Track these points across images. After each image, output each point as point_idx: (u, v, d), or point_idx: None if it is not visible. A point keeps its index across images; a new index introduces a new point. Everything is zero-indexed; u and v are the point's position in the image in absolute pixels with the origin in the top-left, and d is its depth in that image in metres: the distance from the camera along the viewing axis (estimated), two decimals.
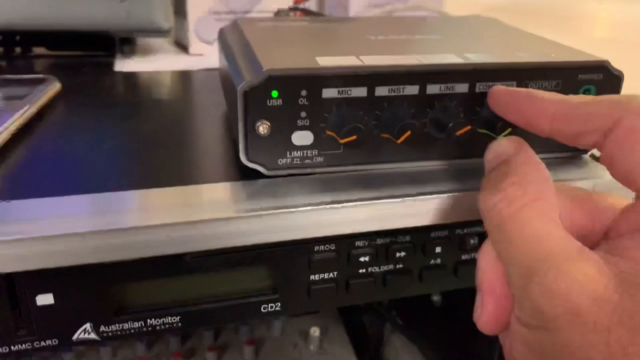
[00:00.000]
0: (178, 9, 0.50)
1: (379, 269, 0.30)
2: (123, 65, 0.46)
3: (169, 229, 0.23)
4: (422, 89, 0.26)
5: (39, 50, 0.48)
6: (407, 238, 0.30)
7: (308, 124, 0.26)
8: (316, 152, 0.27)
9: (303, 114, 0.26)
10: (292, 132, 0.26)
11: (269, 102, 0.25)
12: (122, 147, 0.30)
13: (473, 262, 0.30)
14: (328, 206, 0.25)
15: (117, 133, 0.32)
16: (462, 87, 0.27)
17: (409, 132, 0.26)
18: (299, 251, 0.28)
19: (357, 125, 0.25)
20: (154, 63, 0.47)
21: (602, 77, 0.28)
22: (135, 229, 0.23)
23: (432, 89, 0.27)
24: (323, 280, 0.29)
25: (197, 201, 0.25)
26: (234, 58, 0.30)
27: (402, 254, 0.30)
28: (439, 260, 0.31)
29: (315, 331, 0.54)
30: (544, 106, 0.23)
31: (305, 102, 0.26)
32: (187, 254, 0.26)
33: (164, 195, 0.25)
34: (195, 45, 0.49)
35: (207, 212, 0.24)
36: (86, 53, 0.49)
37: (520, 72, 0.27)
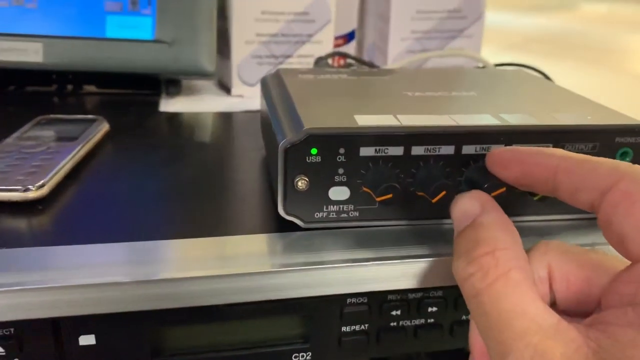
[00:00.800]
0: (222, 51, 0.52)
1: (410, 322, 0.30)
2: (167, 105, 0.48)
3: (203, 281, 0.24)
4: (458, 150, 0.27)
5: (89, 87, 0.51)
6: (440, 293, 0.30)
7: (345, 180, 0.27)
8: (352, 207, 0.28)
9: (341, 171, 0.27)
10: (329, 188, 0.27)
11: (309, 159, 0.26)
12: (163, 193, 0.32)
13: None
14: (361, 263, 0.26)
15: (160, 178, 0.33)
16: (497, 147, 0.27)
17: (444, 192, 0.26)
18: (331, 303, 0.29)
19: (392, 185, 0.26)
20: (197, 104, 0.49)
21: (639, 140, 0.28)
22: (172, 281, 0.24)
23: (468, 149, 0.27)
24: (354, 332, 0.30)
25: (233, 253, 0.26)
26: (275, 110, 0.31)
27: (434, 309, 0.30)
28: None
29: None
30: (548, 159, 0.23)
31: (343, 160, 0.26)
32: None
33: (201, 246, 0.26)
34: (237, 87, 0.51)
35: (242, 265, 0.25)
36: (133, 92, 0.51)
37: (556, 134, 0.27)
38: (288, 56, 0.51)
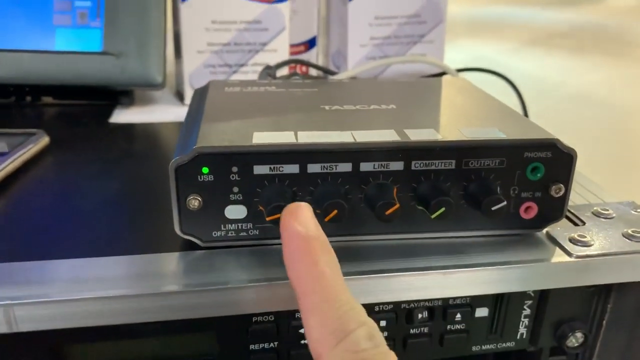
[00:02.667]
0: (178, 58, 0.52)
1: None
2: (119, 116, 0.48)
3: (107, 301, 0.24)
4: (356, 167, 0.26)
5: (47, 99, 0.51)
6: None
7: (241, 198, 0.27)
8: (251, 225, 0.27)
9: (235, 189, 0.26)
10: (225, 206, 0.27)
11: (200, 178, 0.26)
12: (79, 210, 0.32)
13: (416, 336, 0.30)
14: (268, 283, 0.26)
15: (81, 194, 0.33)
16: (397, 165, 0.27)
17: (335, 212, 0.26)
18: (238, 321, 0.28)
19: (279, 205, 0.25)
20: (149, 114, 0.49)
21: (550, 155, 0.27)
22: (67, 302, 0.24)
23: (366, 166, 0.26)
24: (263, 350, 0.29)
25: (135, 273, 0.26)
26: (185, 126, 0.31)
27: None
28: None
29: None
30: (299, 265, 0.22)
31: (237, 178, 0.26)
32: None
33: (103, 265, 0.26)
34: (189, 96, 0.51)
35: (141, 285, 0.25)
36: (90, 103, 0.51)
37: (457, 150, 0.27)
38: (242, 65, 0.51)
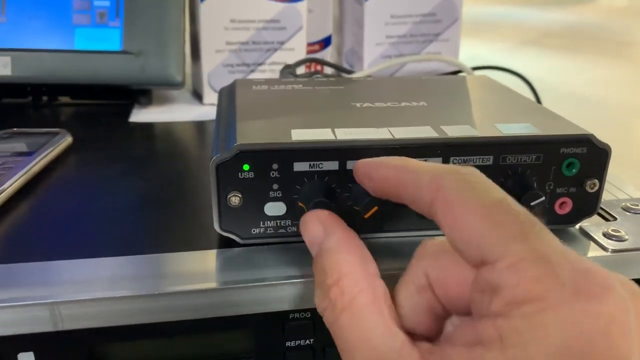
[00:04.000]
0: (195, 56, 0.52)
1: None
2: (138, 115, 0.48)
3: (140, 300, 0.24)
4: None
5: (63, 99, 0.51)
6: None
7: (280, 195, 0.27)
8: (289, 222, 0.27)
9: (275, 186, 0.26)
10: (264, 203, 0.27)
11: (241, 175, 0.26)
12: (109, 209, 0.32)
13: None
14: (304, 279, 0.26)
15: (111, 193, 0.33)
16: (436, 161, 0.27)
17: (375, 208, 0.26)
18: (275, 318, 0.28)
19: (322, 200, 0.25)
20: (168, 114, 0.49)
21: (586, 151, 0.28)
22: (103, 300, 0.24)
23: None
24: (299, 347, 0.29)
25: (172, 271, 0.26)
26: (218, 124, 0.31)
27: None
28: None
29: None
30: (387, 171, 0.22)
31: (277, 175, 0.26)
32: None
33: (140, 263, 0.26)
34: (208, 95, 0.51)
35: (182, 283, 0.25)
36: (107, 102, 0.51)
37: (496, 146, 0.27)
38: (260, 64, 0.51)
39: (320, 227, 0.24)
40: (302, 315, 0.29)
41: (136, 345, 0.28)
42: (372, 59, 0.55)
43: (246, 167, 0.26)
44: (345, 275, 0.21)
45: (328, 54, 0.58)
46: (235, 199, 0.26)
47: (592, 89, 1.53)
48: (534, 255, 0.17)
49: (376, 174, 0.23)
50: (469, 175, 0.20)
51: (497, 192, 0.19)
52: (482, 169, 0.27)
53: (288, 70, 0.45)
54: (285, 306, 0.27)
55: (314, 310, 0.28)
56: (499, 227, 0.18)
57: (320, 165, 0.26)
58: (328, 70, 0.57)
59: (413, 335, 0.20)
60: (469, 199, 0.19)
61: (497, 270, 0.17)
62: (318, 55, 0.57)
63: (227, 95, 0.36)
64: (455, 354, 0.17)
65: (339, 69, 0.52)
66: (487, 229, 0.18)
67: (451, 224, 0.19)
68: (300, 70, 0.51)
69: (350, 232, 0.23)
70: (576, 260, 0.17)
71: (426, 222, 0.28)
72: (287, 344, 0.29)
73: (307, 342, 0.29)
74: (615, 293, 0.16)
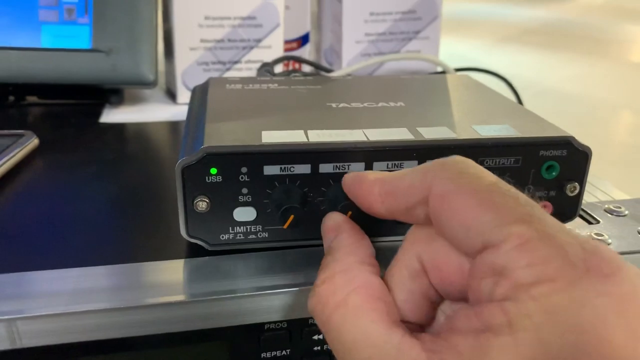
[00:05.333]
0: (169, 54, 0.51)
1: None
2: (109, 115, 0.46)
3: (104, 314, 0.23)
4: (368, 166, 0.26)
5: (31, 98, 0.49)
6: None
7: (250, 200, 0.26)
8: (260, 228, 0.26)
9: (244, 190, 0.25)
10: (233, 208, 0.26)
11: (208, 179, 0.25)
12: (75, 215, 0.30)
13: None
14: (279, 290, 0.25)
15: (78, 198, 0.32)
16: (411, 164, 0.26)
17: (350, 213, 0.25)
18: (249, 330, 0.27)
19: (294, 206, 0.24)
20: (140, 113, 0.47)
21: (566, 154, 0.27)
22: (64, 315, 0.23)
23: (379, 166, 0.26)
24: (274, 358, 0.28)
25: (138, 283, 0.25)
26: (188, 125, 0.30)
27: None
28: None
29: None
30: (370, 187, 0.21)
31: (247, 179, 0.25)
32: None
33: (104, 274, 0.25)
34: (182, 94, 0.49)
35: (145, 296, 0.24)
36: (76, 102, 0.49)
37: (473, 149, 0.26)
38: (236, 62, 0.49)
39: (332, 229, 0.24)
40: (278, 325, 0.28)
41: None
42: (351, 57, 0.54)
43: (214, 170, 0.25)
44: (339, 273, 0.20)
45: (306, 52, 0.57)
46: (202, 204, 0.25)
47: (571, 86, 1.54)
48: (540, 235, 0.16)
49: (360, 191, 0.22)
50: (458, 164, 0.19)
51: (490, 176, 0.19)
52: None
53: (265, 68, 0.43)
54: (258, 318, 0.25)
55: (289, 321, 0.27)
56: (499, 209, 0.17)
57: (292, 169, 0.25)
58: (307, 68, 0.56)
59: (408, 324, 0.19)
60: (463, 185, 0.18)
61: (502, 252, 0.16)
62: (296, 53, 0.56)
63: (200, 94, 0.34)
64: (461, 342, 0.16)
65: (317, 67, 0.51)
66: (487, 212, 0.17)
67: (448, 214, 0.18)
68: (279, 68, 0.50)
69: (358, 235, 0.23)
70: (583, 239, 0.16)
71: (402, 228, 0.27)
72: (262, 355, 0.28)
73: (284, 352, 0.28)
74: (625, 272, 0.15)
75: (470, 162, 0.19)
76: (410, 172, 0.20)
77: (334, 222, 0.24)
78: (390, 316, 0.19)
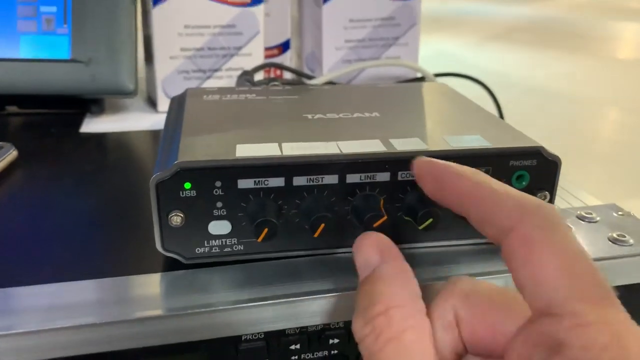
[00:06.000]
0: (150, 61, 0.51)
1: (313, 355, 0.29)
2: (90, 125, 0.46)
3: (80, 331, 0.23)
4: (342, 179, 0.26)
5: (11, 108, 0.49)
6: (341, 324, 0.29)
7: (225, 213, 0.26)
8: (235, 241, 0.27)
9: (219, 204, 0.26)
10: (208, 222, 0.26)
11: (182, 194, 0.25)
12: (52, 229, 0.30)
13: None
14: (256, 303, 0.25)
15: (57, 211, 0.32)
16: (383, 176, 0.26)
17: (322, 225, 0.25)
18: (226, 342, 0.27)
19: (268, 220, 0.25)
20: (121, 122, 0.47)
21: (536, 163, 0.27)
22: (38, 332, 0.23)
23: (352, 178, 0.26)
24: None
25: (114, 298, 0.25)
26: (164, 138, 0.30)
27: (336, 340, 0.29)
28: None
29: None
30: (460, 182, 0.21)
31: (221, 193, 0.25)
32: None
33: (80, 290, 0.25)
34: (163, 103, 0.49)
35: (121, 311, 0.24)
36: (57, 111, 0.49)
37: (444, 160, 0.26)
38: (216, 70, 0.50)
39: (377, 250, 0.23)
40: (255, 336, 0.28)
41: None
42: (332, 63, 0.54)
43: (187, 185, 0.25)
44: (396, 307, 0.20)
45: (287, 58, 0.57)
46: (177, 219, 0.25)
47: (557, 83, 1.55)
48: (605, 322, 0.16)
49: (449, 181, 0.22)
50: (555, 217, 0.19)
51: (578, 243, 0.18)
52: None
53: (245, 77, 0.44)
54: (235, 331, 0.26)
55: (267, 333, 0.28)
56: (576, 281, 0.17)
57: (266, 182, 0.25)
58: (288, 75, 0.56)
59: None
60: (553, 242, 0.18)
61: (563, 327, 0.16)
62: (277, 60, 0.56)
63: (177, 106, 0.35)
64: None
65: (298, 74, 0.51)
66: (564, 279, 0.17)
67: (524, 261, 0.18)
68: (259, 75, 0.50)
69: (406, 265, 0.23)
70: None
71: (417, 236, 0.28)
72: None
73: None
74: None
75: (563, 219, 0.19)
76: (505, 192, 0.20)
77: (378, 246, 0.23)
78: (454, 347, 0.20)
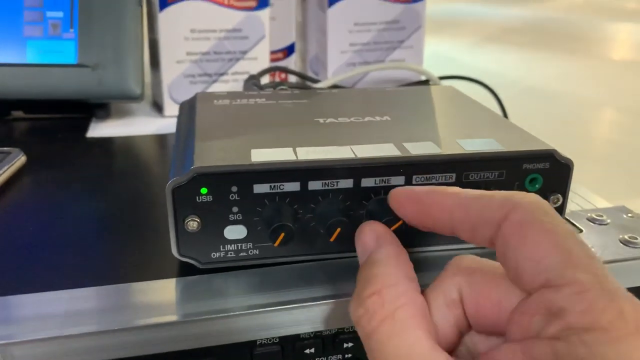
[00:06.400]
0: (155, 66, 0.51)
1: (327, 359, 0.29)
2: (96, 130, 0.46)
3: (97, 337, 0.23)
4: (357, 183, 0.26)
5: (17, 113, 0.49)
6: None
7: (241, 218, 0.26)
8: (251, 245, 0.27)
9: (235, 209, 0.26)
10: (224, 227, 0.26)
11: (199, 199, 0.25)
12: (65, 235, 0.30)
13: None
14: (271, 308, 0.25)
15: (68, 217, 0.32)
16: (398, 180, 0.26)
17: (338, 230, 0.25)
18: (240, 347, 0.27)
19: (284, 224, 0.25)
20: (127, 127, 0.47)
21: (549, 166, 0.27)
22: (57, 339, 0.23)
23: (367, 182, 0.26)
24: None
25: (130, 303, 0.25)
26: (177, 143, 0.30)
27: (350, 344, 0.29)
28: None
29: None
30: (443, 198, 0.22)
31: (237, 197, 0.25)
32: None
33: (95, 296, 0.25)
34: (169, 107, 0.49)
35: (137, 317, 0.24)
36: (63, 116, 0.49)
37: (458, 164, 0.27)
38: (222, 74, 0.50)
39: (373, 237, 0.23)
40: (270, 341, 0.28)
41: None
42: (336, 67, 0.54)
43: (204, 190, 0.25)
44: (388, 287, 0.21)
45: (292, 62, 0.57)
46: (193, 224, 0.25)
47: (554, 84, 1.56)
48: (602, 288, 0.17)
49: (435, 200, 0.22)
50: (542, 202, 0.20)
51: (566, 223, 0.19)
52: (445, 186, 0.27)
53: (252, 81, 0.44)
54: (250, 336, 0.26)
55: (281, 338, 0.28)
56: (571, 254, 0.18)
57: (282, 187, 0.26)
58: (293, 79, 0.56)
59: None
60: (544, 222, 0.19)
61: (563, 294, 0.17)
62: (282, 63, 0.56)
63: (187, 111, 0.35)
64: None
65: (303, 77, 0.51)
66: (559, 253, 0.18)
67: (521, 244, 0.19)
68: (265, 79, 0.50)
69: (400, 248, 0.23)
70: (638, 302, 0.17)
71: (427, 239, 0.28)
72: None
73: None
74: None
75: (550, 205, 0.20)
76: (490, 193, 0.21)
77: (375, 232, 0.24)
78: (433, 337, 0.20)
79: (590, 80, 1.63)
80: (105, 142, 0.44)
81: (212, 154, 0.26)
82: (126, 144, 0.44)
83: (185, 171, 0.25)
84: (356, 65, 0.54)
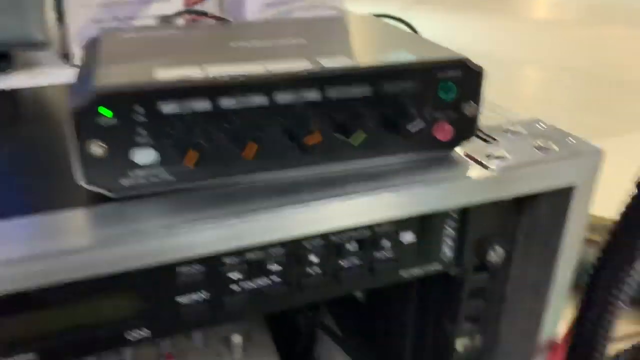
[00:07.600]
0: (61, 18, 0.47)
1: (252, 283, 0.29)
2: None
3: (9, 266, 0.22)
4: (271, 99, 0.25)
5: None
6: (281, 251, 0.28)
7: (149, 141, 0.25)
8: (163, 170, 0.25)
9: (142, 132, 0.24)
10: (132, 151, 0.25)
11: (102, 122, 0.24)
12: None
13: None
14: (191, 224, 0.24)
15: None
16: (313, 94, 0.26)
17: (256, 147, 0.24)
18: (161, 272, 0.26)
19: (196, 142, 0.24)
20: (33, 79, 0.44)
21: (461, 74, 0.28)
22: None
23: (282, 98, 0.25)
24: (193, 302, 0.28)
25: (40, 232, 0.23)
26: (78, 74, 0.28)
27: (278, 267, 0.29)
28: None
29: (237, 338, 0.52)
30: None
31: (144, 119, 0.24)
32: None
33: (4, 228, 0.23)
34: (78, 55, 0.47)
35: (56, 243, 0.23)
36: None
37: (372, 74, 0.26)
38: (133, 18, 0.47)
39: None
40: (191, 266, 0.27)
41: (9, 321, 0.25)
42: (253, 8, 0.53)
43: (107, 112, 0.24)
44: None
45: (210, 5, 0.55)
46: (97, 149, 0.24)
47: (478, 45, 1.60)
48: None
49: None
50: None
51: None
52: (362, 100, 0.26)
53: (167, 19, 0.42)
54: (170, 257, 0.25)
55: (204, 261, 0.27)
56: None
57: (191, 106, 0.24)
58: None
59: None
60: None
61: None
62: (199, 7, 0.54)
63: (92, 45, 0.32)
64: None
65: (220, 20, 0.49)
66: None
67: None
68: (179, 23, 0.48)
69: None
70: None
71: (307, 159, 0.27)
72: (178, 300, 0.27)
73: (202, 295, 0.28)
74: None
75: None
76: None
77: None
78: None
79: (511, 39, 1.68)
80: (10, 94, 0.41)
81: (115, 75, 0.25)
82: (33, 94, 0.41)
83: (86, 93, 0.23)
84: (276, 5, 0.53)
